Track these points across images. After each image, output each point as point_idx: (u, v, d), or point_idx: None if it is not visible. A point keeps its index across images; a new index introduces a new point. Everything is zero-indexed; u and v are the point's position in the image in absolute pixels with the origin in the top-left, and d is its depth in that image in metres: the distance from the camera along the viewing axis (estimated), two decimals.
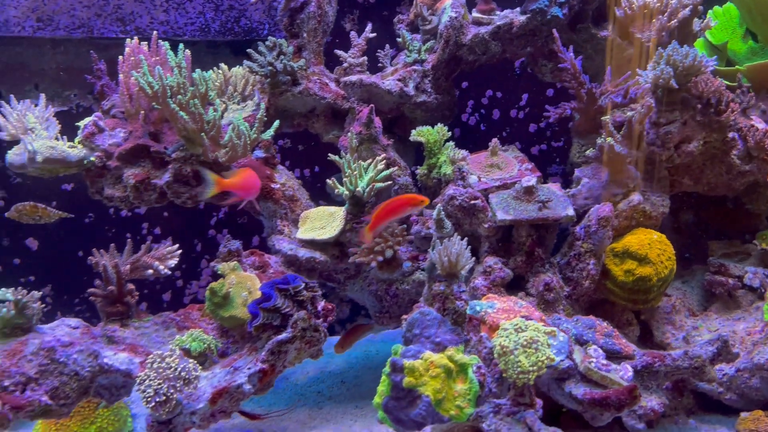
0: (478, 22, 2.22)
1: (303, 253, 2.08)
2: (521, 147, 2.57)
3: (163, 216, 2.96)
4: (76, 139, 2.08)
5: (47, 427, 2.18)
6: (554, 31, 2.08)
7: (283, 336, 1.73)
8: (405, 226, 2.08)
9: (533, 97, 2.88)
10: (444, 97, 2.31)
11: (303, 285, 1.76)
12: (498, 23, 2.15)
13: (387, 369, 1.59)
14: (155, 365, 1.65)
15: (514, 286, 2.04)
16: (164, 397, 1.60)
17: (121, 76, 2.04)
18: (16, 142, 2.14)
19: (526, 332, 1.51)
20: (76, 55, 2.77)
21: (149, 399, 1.60)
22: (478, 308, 1.75)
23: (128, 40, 2.11)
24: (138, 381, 1.65)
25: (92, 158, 2.03)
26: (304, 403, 2.37)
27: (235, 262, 2.01)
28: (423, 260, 2.10)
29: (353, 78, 2.17)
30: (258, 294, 1.95)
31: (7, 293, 1.80)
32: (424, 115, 2.32)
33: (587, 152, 2.03)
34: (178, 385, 1.62)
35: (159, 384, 1.61)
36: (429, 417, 1.55)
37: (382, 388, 1.63)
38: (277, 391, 2.49)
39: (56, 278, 2.96)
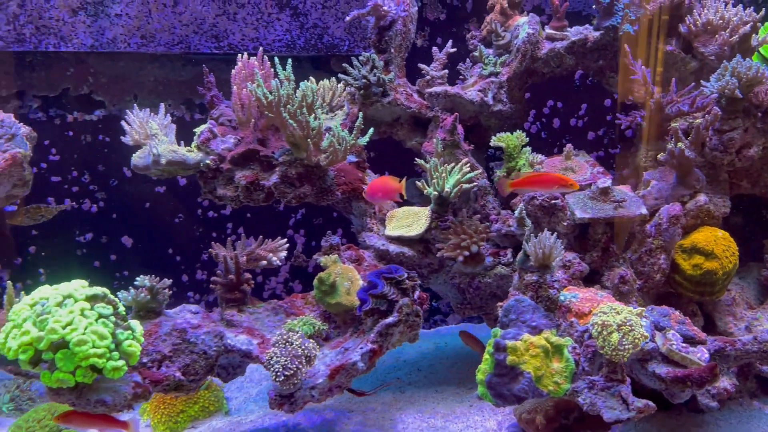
0: (551, 38, 2.42)
1: (393, 248, 2.29)
2: None
3: (246, 217, 3.19)
4: (192, 144, 2.32)
5: (157, 404, 2.41)
6: (626, 46, 2.28)
7: (390, 319, 1.94)
8: (488, 224, 2.28)
9: (591, 107, 3.07)
10: (516, 107, 2.51)
11: (406, 275, 1.97)
12: (573, 39, 2.36)
13: (490, 349, 1.79)
14: (281, 345, 1.87)
15: (588, 279, 2.23)
16: (291, 372, 1.81)
17: (234, 87, 2.27)
18: (135, 147, 2.39)
19: (621, 314, 1.70)
20: (171, 69, 3.02)
21: (278, 373, 1.82)
22: (562, 298, 1.95)
23: (239, 55, 2.34)
24: (267, 358, 1.86)
25: (207, 161, 2.26)
26: (386, 388, 2.57)
27: (336, 255, 2.22)
28: (503, 255, 2.30)
29: (438, 89, 2.39)
30: (358, 284, 2.17)
31: (145, 280, 2.03)
32: (498, 123, 2.53)
33: (659, 156, 2.21)
34: (302, 362, 1.84)
35: (286, 361, 1.83)
36: (530, 392, 1.74)
37: (485, 366, 1.83)
38: (359, 378, 2.70)
39: (148, 273, 3.20)
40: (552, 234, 1.95)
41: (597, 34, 2.34)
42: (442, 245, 2.27)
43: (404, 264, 2.32)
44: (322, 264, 2.23)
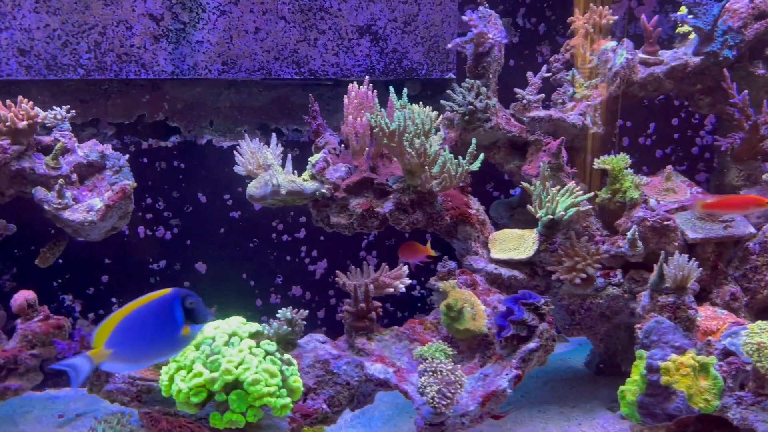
0: (645, 63, 2.50)
1: (505, 271, 2.33)
2: (648, 171, 2.84)
3: (319, 240, 3.20)
4: (306, 173, 2.33)
5: None
6: (725, 70, 2.37)
7: (532, 345, 1.98)
8: (599, 246, 2.34)
9: (660, 126, 3.17)
10: (608, 129, 2.58)
11: (543, 300, 2.02)
12: (672, 64, 2.44)
13: (642, 371, 1.85)
14: (430, 372, 1.89)
15: (697, 297, 2.30)
16: (448, 399, 1.84)
17: (349, 117, 2.29)
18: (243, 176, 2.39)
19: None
20: (248, 94, 3.03)
21: (435, 400, 1.84)
22: None
23: (350, 84, 2.37)
24: (420, 385, 1.89)
25: (323, 190, 2.28)
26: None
27: (454, 280, 2.26)
28: (613, 276, 2.36)
29: (542, 113, 2.45)
30: (480, 309, 2.21)
31: (287, 312, 2.03)
32: (592, 146, 2.60)
33: (765, 176, 2.31)
34: (455, 388, 1.87)
35: (439, 387, 1.85)
36: (684, 410, 1.80)
37: (634, 387, 1.88)
38: None
39: (222, 299, 3.19)
40: (660, 254, 2.02)
41: (697, 59, 2.43)
42: (554, 268, 2.32)
43: (514, 287, 2.37)
44: (440, 289, 2.25)
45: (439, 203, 2.33)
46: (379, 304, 2.17)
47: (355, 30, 2.89)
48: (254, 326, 1.78)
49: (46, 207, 2.29)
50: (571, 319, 2.41)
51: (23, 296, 2.19)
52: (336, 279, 2.27)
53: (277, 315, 2.07)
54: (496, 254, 2.40)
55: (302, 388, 1.76)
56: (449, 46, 2.50)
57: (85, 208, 2.31)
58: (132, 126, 2.97)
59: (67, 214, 2.29)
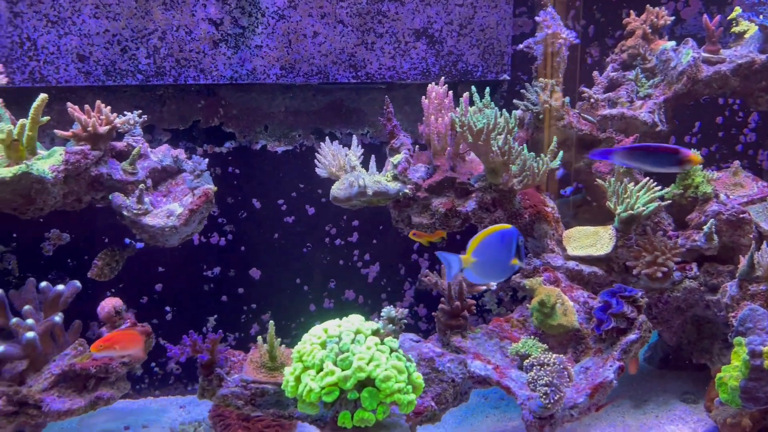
0: (707, 61, 2.57)
1: (586, 268, 2.37)
2: None
3: (371, 243, 3.20)
4: (388, 173, 2.34)
5: None
6: None
7: (633, 336, 2.01)
8: (676, 240, 2.39)
9: (705, 125, 3.25)
10: (669, 126, 2.65)
11: (640, 293, 2.06)
12: (739, 61, 2.51)
13: (745, 356, 1.89)
14: (539, 365, 1.91)
15: None
16: (560, 393, 1.86)
17: (431, 117, 2.31)
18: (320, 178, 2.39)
19: None
20: (302, 99, 3.03)
21: (547, 393, 1.86)
22: None
23: (429, 85, 2.39)
24: (529, 379, 1.90)
25: (406, 190, 2.29)
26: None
27: (540, 278, 2.28)
28: (689, 270, 2.41)
29: (614, 111, 2.50)
30: (569, 304, 2.24)
31: (391, 310, 2.03)
32: (655, 142, 2.65)
33: None
34: (566, 382, 1.89)
35: (550, 380, 1.87)
36: None
37: (735, 373, 1.92)
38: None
39: (276, 305, 3.17)
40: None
41: (764, 57, 2.50)
42: (634, 263, 2.36)
43: (594, 283, 2.40)
44: (527, 287, 2.28)
45: (518, 201, 2.36)
46: (473, 302, 2.18)
47: (411, 33, 2.91)
48: (374, 324, 1.77)
49: (125, 213, 2.26)
50: (648, 312, 2.45)
51: (111, 304, 2.16)
52: (422, 279, 2.26)
53: (381, 314, 2.06)
54: (572, 251, 2.44)
55: (423, 385, 1.76)
56: (520, 46, 2.54)
57: (165, 213, 2.28)
58: (187, 132, 2.95)
59: (148, 220, 2.26)
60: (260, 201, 3.07)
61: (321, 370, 1.65)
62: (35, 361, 2.10)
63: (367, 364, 1.64)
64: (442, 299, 2.18)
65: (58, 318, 2.11)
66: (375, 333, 1.75)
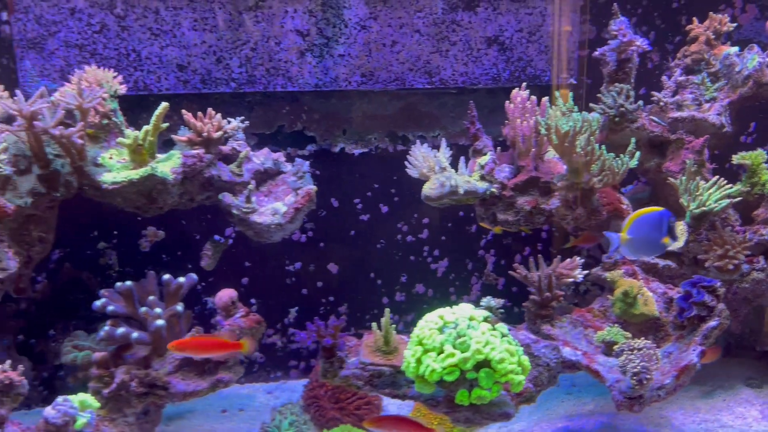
0: None
1: (661, 261, 2.53)
2: None
3: (441, 240, 3.38)
4: (475, 173, 2.51)
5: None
6: None
7: (713, 323, 2.17)
8: (745, 234, 2.54)
9: (760, 125, 3.38)
10: (732, 128, 2.79)
11: (719, 283, 2.21)
12: None
13: None
14: (630, 350, 2.08)
15: None
16: (650, 374, 2.02)
17: (516, 120, 2.48)
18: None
19: None
20: (379, 104, 3.21)
21: (638, 374, 2.02)
22: None
23: (514, 90, 2.56)
24: (621, 363, 2.07)
25: (492, 189, 2.46)
26: None
27: (621, 270, 2.45)
28: (756, 262, 2.55)
29: (685, 114, 2.65)
30: (648, 294, 2.40)
31: (491, 300, 2.21)
32: (719, 143, 2.80)
33: None
34: (654, 363, 2.05)
35: (641, 363, 2.04)
36: None
37: None
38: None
39: (352, 297, 3.36)
40: None
41: None
42: (705, 256, 2.51)
43: (667, 275, 2.56)
44: (608, 279, 2.44)
45: (596, 199, 2.52)
46: (562, 293, 2.35)
47: (483, 41, 3.08)
48: (484, 312, 1.95)
49: (234, 211, 2.46)
50: None
51: (228, 294, 2.36)
52: (519, 272, 2.42)
53: (481, 303, 2.24)
54: None
55: (530, 367, 1.93)
56: (596, 53, 2.70)
57: (271, 211, 2.48)
58: (272, 136, 3.14)
59: (255, 218, 2.45)
60: (338, 200, 3.25)
61: (441, 352, 1.83)
62: (159, 347, 2.30)
63: (484, 347, 1.82)
64: (533, 291, 2.35)
65: (179, 307, 2.31)
66: (486, 320, 1.92)
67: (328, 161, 3.22)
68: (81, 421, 1.87)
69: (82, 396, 1.90)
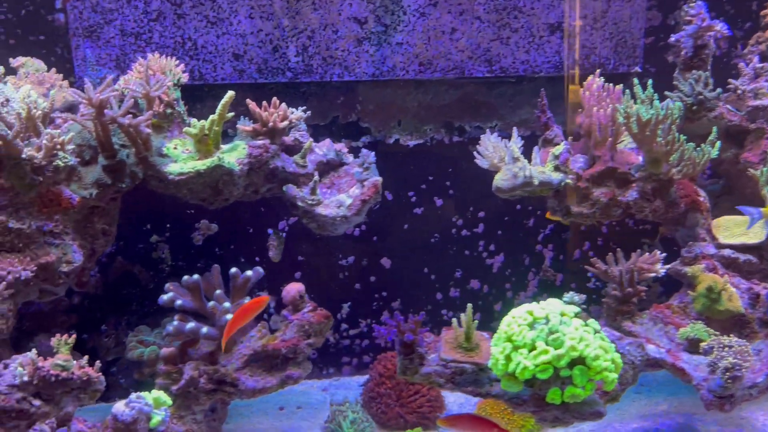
0: None
1: (741, 256, 2.42)
2: None
3: (496, 234, 3.29)
4: (549, 164, 2.42)
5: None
6: None
7: None
8: None
9: None
10: None
11: None
12: None
13: None
14: (721, 346, 1.98)
15: None
16: (741, 371, 1.92)
17: (593, 108, 2.38)
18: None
19: None
20: (434, 93, 3.12)
21: (729, 370, 1.92)
22: None
23: (589, 77, 2.46)
24: (711, 360, 1.97)
25: (568, 180, 2.37)
26: None
27: (701, 265, 2.34)
28: None
29: (766, 102, 2.54)
30: (731, 290, 2.29)
31: (574, 296, 2.12)
32: None
33: None
34: (746, 360, 1.95)
35: (733, 360, 1.94)
36: None
37: None
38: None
39: (405, 293, 3.28)
40: None
41: None
42: None
43: (747, 270, 2.45)
44: (688, 274, 2.34)
45: (674, 191, 2.42)
46: (645, 289, 2.25)
47: (546, 27, 2.98)
48: (575, 307, 1.86)
49: (299, 203, 2.38)
50: None
51: (296, 288, 2.29)
52: (598, 267, 2.33)
53: (564, 299, 2.14)
54: (724, 239, 2.48)
55: (622, 363, 1.84)
56: (671, 39, 2.59)
57: (335, 203, 2.40)
58: (326, 127, 3.06)
59: (320, 210, 2.38)
60: (392, 193, 3.17)
61: (533, 349, 1.75)
62: (226, 342, 2.23)
63: (578, 343, 1.73)
64: (613, 286, 2.25)
65: (247, 301, 2.24)
66: (577, 316, 1.83)
67: (382, 153, 3.12)
68: (156, 419, 1.80)
69: (156, 393, 1.83)
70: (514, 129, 2.48)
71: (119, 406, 1.86)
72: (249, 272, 2.27)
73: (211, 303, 2.18)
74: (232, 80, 2.86)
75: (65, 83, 2.39)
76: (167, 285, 2.23)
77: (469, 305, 2.00)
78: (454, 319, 2.01)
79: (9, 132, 1.93)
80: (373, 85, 3.04)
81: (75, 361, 1.72)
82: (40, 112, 2.02)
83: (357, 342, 3.29)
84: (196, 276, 2.20)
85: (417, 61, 2.96)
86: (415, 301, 3.31)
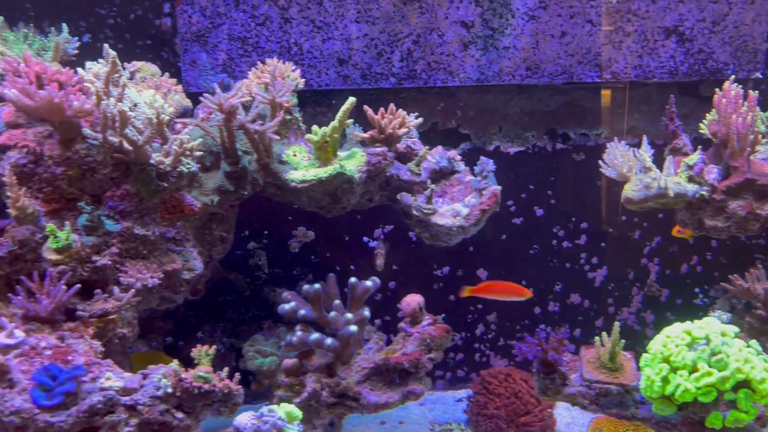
0: None
1: None
2: None
3: (600, 247, 3.15)
4: (682, 174, 2.29)
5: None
6: None
7: None
8: None
9: None
10: None
11: None
12: None
13: None
14: None
15: None
16: None
17: (732, 116, 2.24)
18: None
19: None
20: (538, 99, 3.01)
21: None
22: None
23: (725, 83, 2.32)
24: None
25: (702, 192, 2.23)
26: None
27: None
28: None
29: None
30: None
31: (723, 315, 1.98)
32: None
33: None
34: None
35: None
36: None
37: None
38: None
39: (500, 306, 3.17)
40: None
41: None
42: None
43: None
44: None
45: None
46: None
47: (661, 31, 2.85)
48: (734, 327, 1.73)
49: (414, 212, 2.31)
50: None
51: (416, 300, 2.21)
52: (732, 284, 2.19)
53: (712, 317, 2.01)
54: None
55: None
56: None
57: (451, 213, 2.32)
58: (425, 134, 2.98)
59: (436, 219, 2.30)
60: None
61: (695, 371, 1.63)
62: (342, 354, 2.17)
63: (744, 365, 1.61)
64: (758, 305, 2.11)
65: (367, 312, 2.17)
66: (738, 335, 1.70)
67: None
68: None
69: (287, 406, 1.77)
70: (644, 137, 2.36)
71: (244, 419, 1.80)
72: (368, 282, 2.20)
73: (333, 314, 2.11)
74: (337, 86, 2.81)
75: (179, 87, 2.37)
76: (285, 294, 2.18)
77: (616, 323, 1.89)
78: (596, 338, 1.90)
79: (140, 137, 1.90)
80: (475, 90, 2.96)
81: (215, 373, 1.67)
82: (167, 117, 1.99)
83: (451, 355, 3.20)
84: (317, 285, 2.14)
85: (524, 65, 2.86)
86: (512, 315, 3.20)
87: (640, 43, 2.86)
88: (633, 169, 2.28)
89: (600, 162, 2.37)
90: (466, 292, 2.32)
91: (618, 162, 2.29)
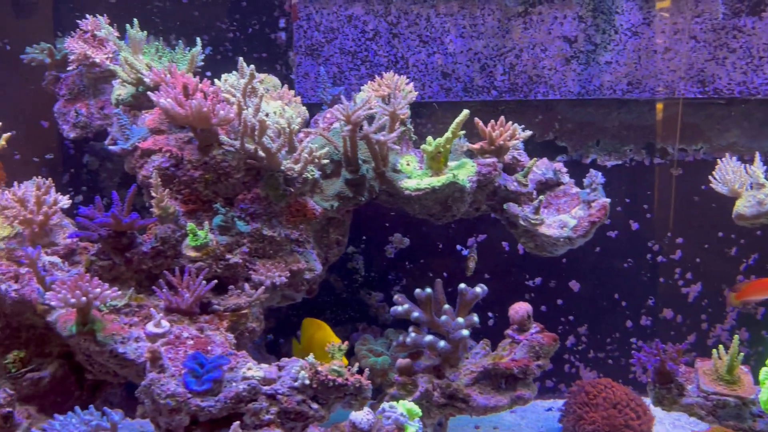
0: None
1: None
2: None
3: (695, 262, 3.13)
4: None
5: None
6: None
7: None
8: None
9: None
10: None
11: None
12: None
13: None
14: None
15: None
16: None
17: None
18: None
19: None
20: (637, 113, 3.03)
21: None
22: None
23: None
24: None
25: None
26: None
27: None
28: None
29: None
30: None
31: None
32: None
33: None
34: None
35: None
36: None
37: None
38: None
39: (593, 318, 3.19)
40: None
41: None
42: None
43: None
44: None
45: None
46: None
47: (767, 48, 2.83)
48: None
49: (521, 222, 2.37)
50: None
51: (524, 308, 2.27)
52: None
53: None
54: None
55: None
56: None
57: (558, 224, 2.37)
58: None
59: (543, 230, 2.35)
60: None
61: None
62: (451, 357, 2.25)
63: None
64: None
65: (476, 318, 2.24)
66: None
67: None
68: (411, 430, 1.82)
69: (407, 403, 1.86)
70: (757, 153, 2.36)
71: (360, 415, 1.89)
72: (477, 289, 2.28)
73: (444, 317, 2.19)
74: (439, 98, 2.90)
75: (298, 99, 2.51)
76: (396, 297, 2.28)
77: (736, 336, 1.91)
78: (714, 350, 1.92)
79: (273, 145, 2.04)
80: (574, 103, 3.00)
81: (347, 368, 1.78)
82: (296, 127, 2.13)
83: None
84: (428, 290, 2.22)
85: (626, 80, 2.89)
86: (603, 328, 3.21)
87: (745, 59, 2.85)
88: (745, 185, 2.28)
89: (710, 177, 2.37)
90: (734, 299, 2.29)
91: (729, 178, 2.30)
